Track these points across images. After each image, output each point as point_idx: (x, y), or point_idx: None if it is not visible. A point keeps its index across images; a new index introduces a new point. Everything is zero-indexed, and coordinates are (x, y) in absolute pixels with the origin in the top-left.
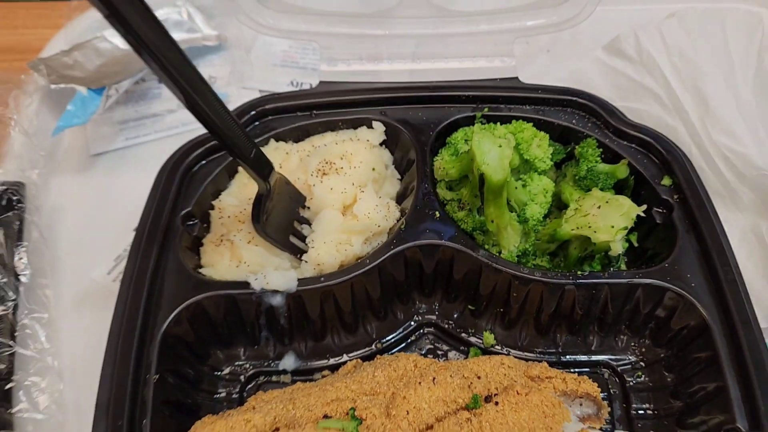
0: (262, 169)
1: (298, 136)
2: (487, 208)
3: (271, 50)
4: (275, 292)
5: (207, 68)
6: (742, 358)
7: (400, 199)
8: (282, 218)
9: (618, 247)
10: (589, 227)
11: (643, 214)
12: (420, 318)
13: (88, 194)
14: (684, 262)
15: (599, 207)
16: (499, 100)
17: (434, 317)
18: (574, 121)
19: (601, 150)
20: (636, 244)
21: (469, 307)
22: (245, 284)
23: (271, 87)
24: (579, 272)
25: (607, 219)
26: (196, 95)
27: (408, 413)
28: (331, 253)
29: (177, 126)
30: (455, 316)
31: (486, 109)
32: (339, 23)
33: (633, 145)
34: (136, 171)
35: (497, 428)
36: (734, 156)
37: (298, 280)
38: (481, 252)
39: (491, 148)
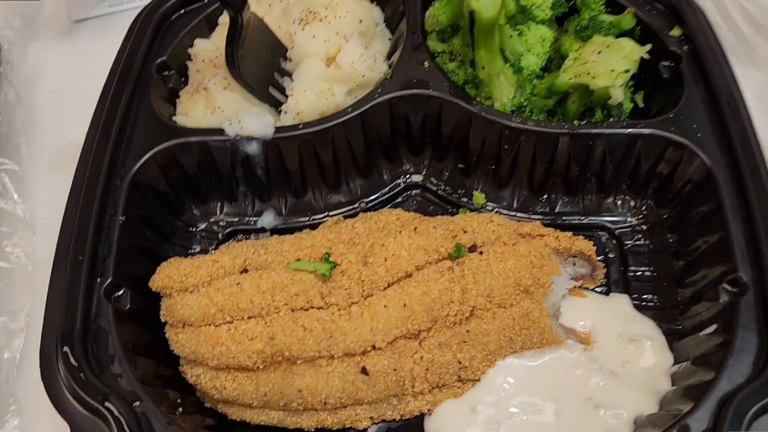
0: None
1: None
2: (478, 52)
3: None
4: (251, 138)
5: None
6: (748, 205)
7: (389, 57)
8: (260, 67)
9: (618, 94)
10: (588, 74)
11: (646, 55)
12: (407, 178)
13: (68, 60)
14: (690, 113)
15: (599, 52)
16: None
17: (421, 178)
18: None
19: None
20: (641, 105)
21: (459, 165)
22: (219, 131)
23: None
24: (575, 122)
25: (608, 63)
26: None
27: (386, 260)
28: (311, 101)
29: None
30: (444, 176)
31: None
32: None
33: None
34: (120, 38)
35: (480, 277)
36: (753, 6)
37: (276, 128)
38: (472, 103)
39: None
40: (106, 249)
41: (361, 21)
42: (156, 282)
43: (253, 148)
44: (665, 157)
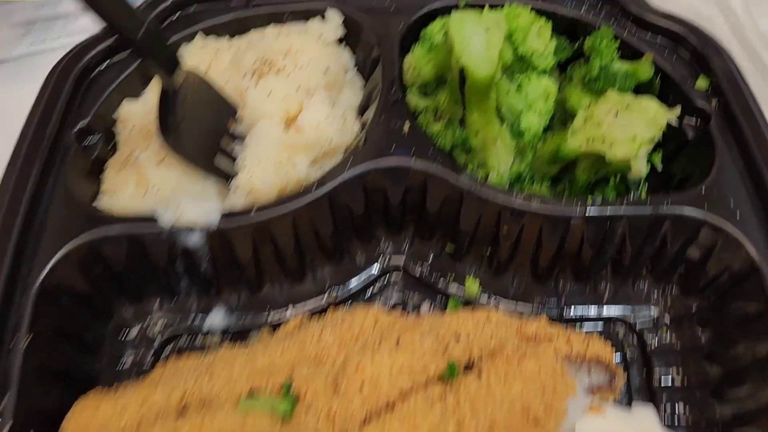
0: (160, 57)
1: (234, 31)
2: (470, 115)
3: None
4: (191, 229)
5: None
6: None
7: (362, 111)
8: (203, 132)
9: (641, 167)
10: (604, 141)
11: (673, 116)
12: (385, 261)
13: None
14: (725, 186)
15: (616, 114)
16: None
17: (403, 260)
18: (584, 10)
19: (618, 43)
20: (659, 168)
21: (448, 248)
22: (153, 219)
23: None
24: (589, 201)
25: (628, 128)
26: None
27: (362, 387)
28: (267, 175)
29: (93, 29)
30: (430, 258)
31: None
32: None
33: (658, 39)
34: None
35: (480, 407)
36: None
37: (223, 214)
38: (462, 176)
39: (475, 32)
40: (2, 379)
41: (327, 70)
42: None
43: (194, 241)
44: (697, 240)
